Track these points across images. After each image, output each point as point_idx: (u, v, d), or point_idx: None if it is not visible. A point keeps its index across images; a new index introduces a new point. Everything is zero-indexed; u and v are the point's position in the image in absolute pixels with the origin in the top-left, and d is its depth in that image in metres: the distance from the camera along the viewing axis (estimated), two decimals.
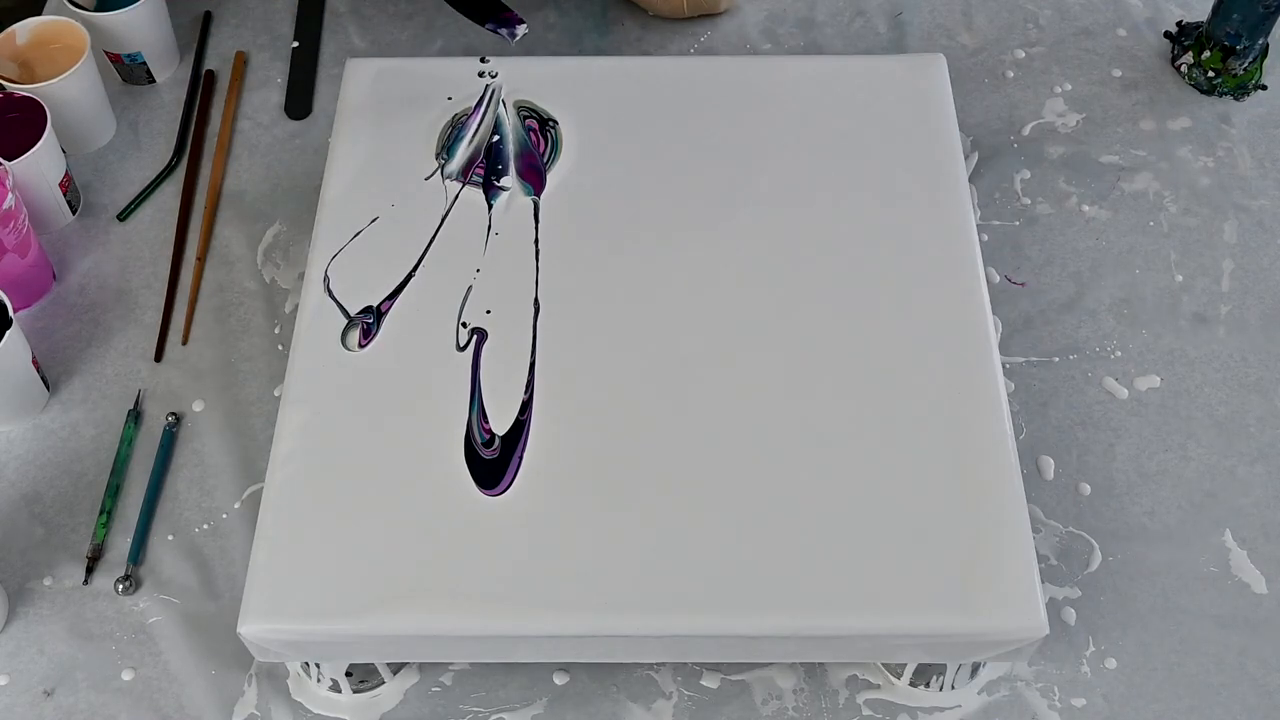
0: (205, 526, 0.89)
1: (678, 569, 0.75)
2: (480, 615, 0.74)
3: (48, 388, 0.95)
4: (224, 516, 0.89)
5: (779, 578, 0.75)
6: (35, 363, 0.92)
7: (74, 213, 1.04)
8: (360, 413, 0.81)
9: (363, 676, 0.82)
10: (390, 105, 0.95)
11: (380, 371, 0.82)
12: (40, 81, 1.02)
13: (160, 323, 0.98)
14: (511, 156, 0.92)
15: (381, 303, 0.85)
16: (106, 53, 1.09)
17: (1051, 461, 0.91)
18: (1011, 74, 1.11)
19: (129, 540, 0.88)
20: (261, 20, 1.17)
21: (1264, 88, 1.09)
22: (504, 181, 0.91)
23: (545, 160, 0.92)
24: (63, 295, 1.00)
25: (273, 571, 0.75)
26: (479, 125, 0.94)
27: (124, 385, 0.95)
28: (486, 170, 0.92)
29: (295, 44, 1.15)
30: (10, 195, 0.92)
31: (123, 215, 1.04)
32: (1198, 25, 1.10)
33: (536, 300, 0.85)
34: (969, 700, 0.82)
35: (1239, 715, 0.82)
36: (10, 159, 0.95)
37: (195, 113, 1.10)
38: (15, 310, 0.93)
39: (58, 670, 0.84)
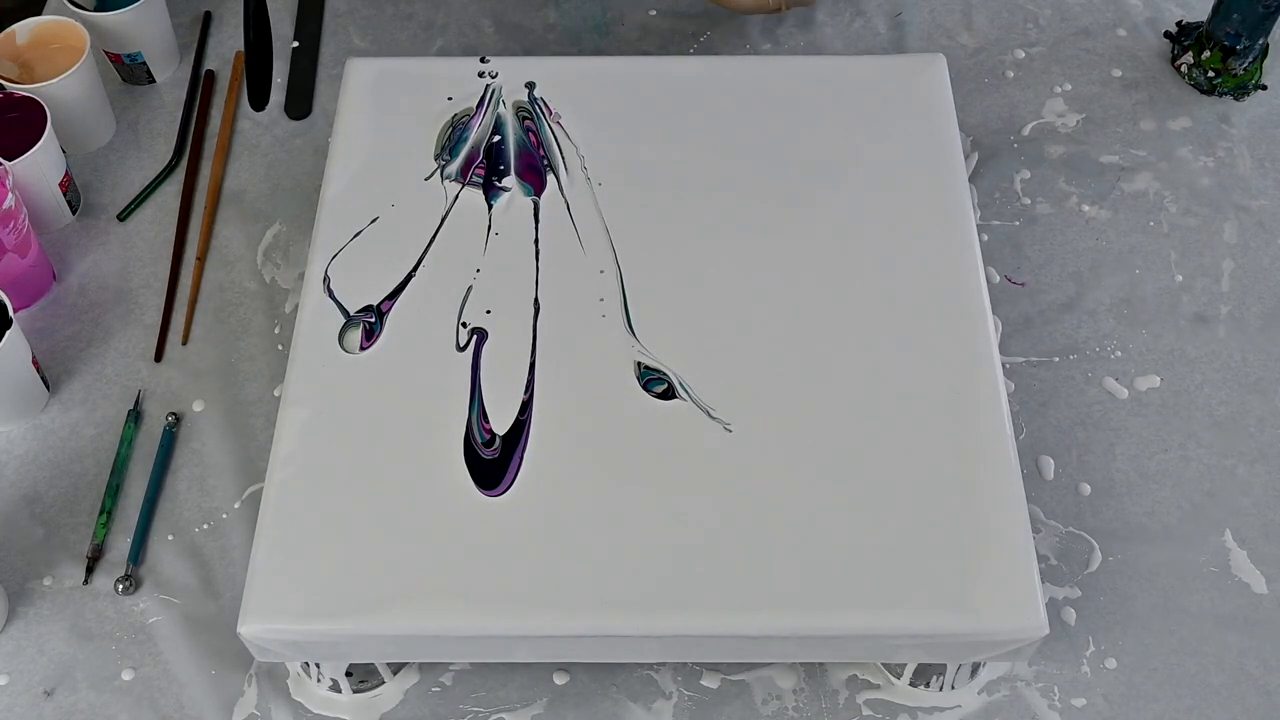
0: (205, 526, 0.89)
1: (678, 569, 0.75)
2: (480, 615, 0.74)
3: (48, 388, 0.95)
4: (224, 516, 0.89)
5: (779, 578, 0.75)
6: (35, 363, 0.92)
7: (74, 213, 1.04)
8: (360, 413, 0.81)
9: (363, 676, 0.82)
10: (390, 105, 0.95)
11: (380, 371, 0.82)
12: (40, 81, 1.02)
13: (160, 323, 0.98)
14: (512, 156, 0.92)
15: (381, 303, 0.85)
16: (106, 53, 1.09)
17: (1051, 461, 0.91)
18: (1011, 74, 1.11)
19: (129, 540, 0.88)
20: None
21: (1264, 88, 1.09)
22: (504, 182, 0.91)
23: (544, 160, 0.92)
24: (63, 295, 1.00)
25: (273, 571, 0.75)
26: (479, 125, 0.94)
27: (124, 385, 0.95)
28: (487, 170, 0.92)
29: (295, 44, 1.15)
30: (10, 195, 0.92)
31: (123, 215, 1.04)
32: (1198, 25, 1.10)
33: (536, 300, 0.85)
34: (969, 700, 0.82)
35: (1239, 715, 0.82)
36: (10, 159, 0.95)
37: (195, 113, 1.10)
38: (15, 310, 0.93)
39: (58, 670, 0.84)
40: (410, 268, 0.87)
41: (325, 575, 0.75)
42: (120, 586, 0.86)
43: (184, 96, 1.11)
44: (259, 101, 1.09)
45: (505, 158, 0.92)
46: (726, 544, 0.76)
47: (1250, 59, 1.08)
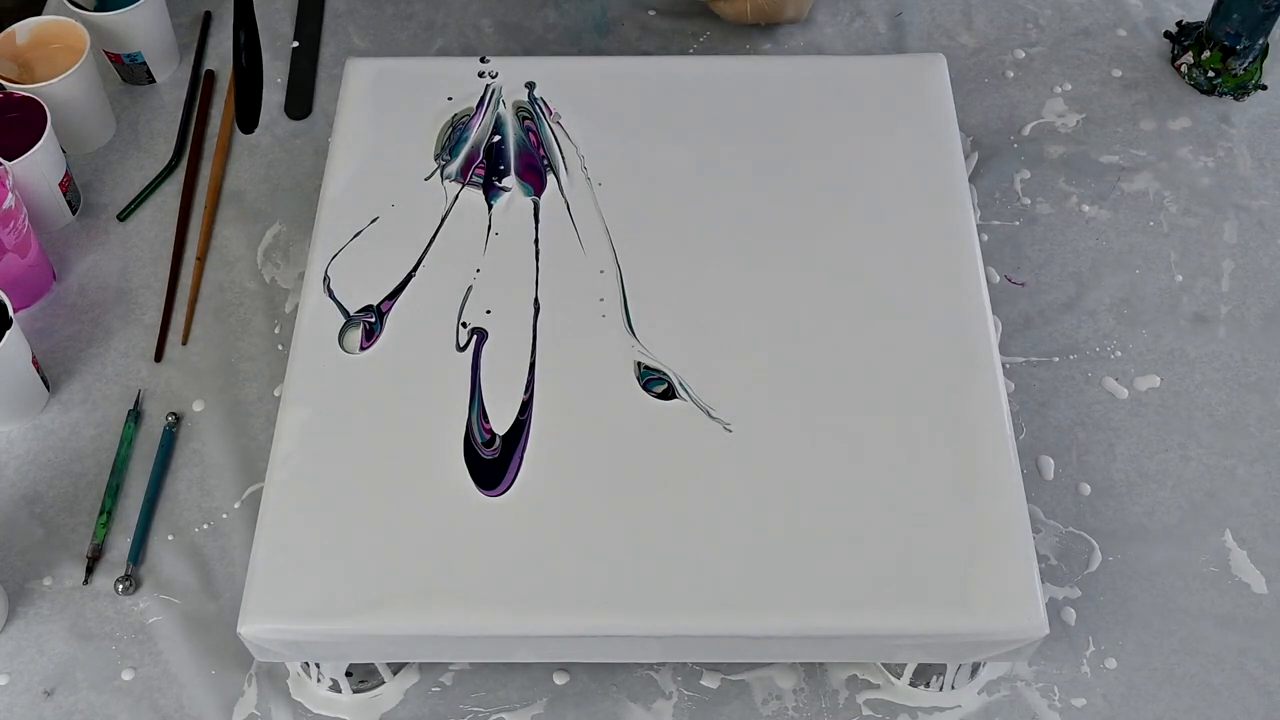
0: (205, 526, 0.89)
1: (678, 569, 0.75)
2: (480, 615, 0.74)
3: (48, 388, 0.95)
4: (224, 516, 0.89)
5: (779, 578, 0.75)
6: (35, 363, 0.92)
7: (74, 213, 1.04)
8: (360, 413, 0.81)
9: (363, 676, 0.82)
10: (390, 105, 0.95)
11: (380, 371, 0.82)
12: (40, 81, 1.02)
13: (160, 323, 0.98)
14: (512, 156, 0.92)
15: (381, 303, 0.85)
16: (106, 53, 1.09)
17: (1051, 461, 0.91)
18: (1011, 74, 1.11)
19: (129, 540, 0.88)
20: (262, 20, 1.17)
21: (1264, 88, 1.09)
22: (504, 182, 0.91)
23: (544, 160, 0.92)
24: (63, 295, 1.00)
25: (273, 571, 0.75)
26: (479, 125, 0.94)
27: (124, 385, 0.95)
28: (487, 170, 0.92)
29: (295, 44, 1.15)
30: (10, 195, 0.92)
31: (123, 215, 1.04)
32: (1198, 25, 1.10)
33: (536, 300, 0.85)
34: (969, 700, 0.82)
35: (1239, 715, 0.82)
36: (10, 159, 0.95)
37: (195, 113, 1.10)
38: (15, 310, 0.93)
39: (58, 670, 0.84)
40: (410, 268, 0.87)
41: (325, 575, 0.75)
42: (120, 586, 0.86)
43: (184, 96, 1.11)
44: (248, 125, 1.09)
45: (505, 158, 0.92)
46: (726, 544, 0.76)
47: (1250, 59, 1.08)
